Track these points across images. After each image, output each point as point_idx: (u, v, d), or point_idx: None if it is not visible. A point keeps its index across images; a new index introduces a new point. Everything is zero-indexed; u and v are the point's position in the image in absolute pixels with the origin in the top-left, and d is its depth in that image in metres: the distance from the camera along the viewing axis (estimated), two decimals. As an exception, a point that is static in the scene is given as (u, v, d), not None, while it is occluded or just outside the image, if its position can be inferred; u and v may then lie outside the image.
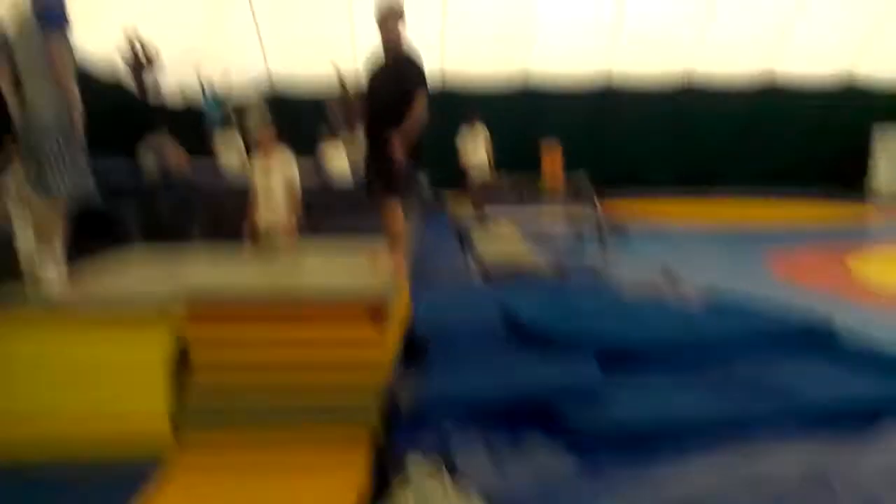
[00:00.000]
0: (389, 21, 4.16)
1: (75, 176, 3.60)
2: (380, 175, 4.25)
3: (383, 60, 4.27)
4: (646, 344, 4.06)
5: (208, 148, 11.04)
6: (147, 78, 11.72)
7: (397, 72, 4.15)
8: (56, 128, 3.55)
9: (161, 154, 9.07)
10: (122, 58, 11.68)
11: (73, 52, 3.62)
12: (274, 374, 3.12)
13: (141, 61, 11.64)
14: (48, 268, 3.52)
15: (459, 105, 13.72)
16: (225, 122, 12.80)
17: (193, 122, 13.35)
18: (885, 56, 17.14)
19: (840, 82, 17.95)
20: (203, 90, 13.38)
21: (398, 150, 4.05)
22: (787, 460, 2.90)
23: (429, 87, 4.17)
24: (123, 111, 11.58)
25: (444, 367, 3.71)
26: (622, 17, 16.62)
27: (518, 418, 3.22)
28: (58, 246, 3.64)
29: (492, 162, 12.07)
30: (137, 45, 11.54)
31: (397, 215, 4.32)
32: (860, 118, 17.68)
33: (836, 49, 17.34)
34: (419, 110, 4.06)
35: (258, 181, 5.56)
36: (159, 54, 11.83)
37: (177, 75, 14.77)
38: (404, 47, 4.21)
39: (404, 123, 4.05)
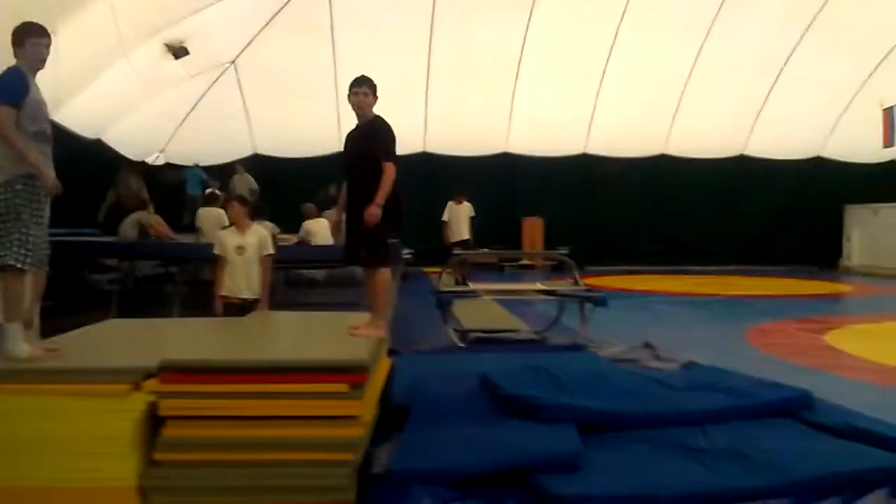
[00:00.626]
0: (357, 87, 4.35)
1: (20, 245, 3.44)
2: (359, 244, 4.31)
3: (357, 127, 4.45)
4: (626, 415, 4.05)
5: (190, 220, 11.13)
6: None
7: (367, 137, 4.31)
8: (1, 191, 3.43)
9: (144, 229, 9.11)
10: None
11: (35, 115, 3.57)
12: (248, 450, 3.05)
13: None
14: (14, 340, 3.43)
15: (444, 182, 14.05)
16: (205, 188, 13.02)
17: (177, 194, 13.55)
18: (851, 137, 17.81)
19: (811, 164, 18.57)
20: (189, 169, 13.71)
21: (372, 219, 4.12)
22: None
23: (397, 155, 4.31)
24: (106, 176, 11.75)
25: (421, 435, 3.66)
26: (597, 104, 17.25)
27: (496, 487, 3.17)
28: (23, 317, 3.54)
29: (473, 237, 12.29)
30: None
31: (384, 283, 4.35)
32: (830, 198, 18.21)
33: (805, 132, 18.03)
34: (389, 178, 4.17)
35: (233, 256, 5.58)
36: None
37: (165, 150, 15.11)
38: (372, 115, 4.38)
39: (376, 193, 4.14)
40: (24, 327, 4.42)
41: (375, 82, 4.40)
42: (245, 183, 13.22)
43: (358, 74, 4.45)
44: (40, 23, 3.69)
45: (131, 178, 11.92)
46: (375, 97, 4.38)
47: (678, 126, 17.80)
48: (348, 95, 4.40)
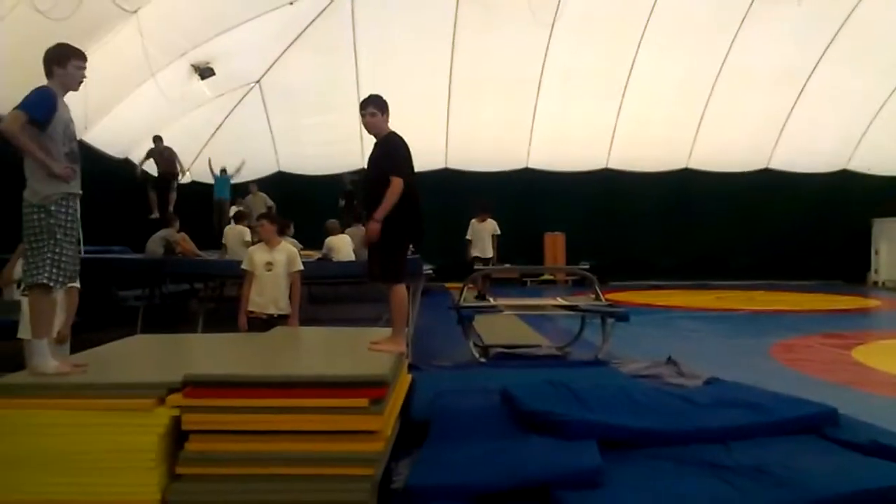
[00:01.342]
0: (363, 109, 4.44)
1: (52, 265, 3.52)
2: (375, 260, 4.37)
3: (375, 146, 4.53)
4: (648, 431, 4.02)
5: (219, 223, 11.32)
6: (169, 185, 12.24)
7: (380, 155, 4.39)
8: (36, 211, 3.53)
9: (170, 246, 9.26)
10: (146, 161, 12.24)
11: (66, 135, 3.66)
12: (269, 464, 3.08)
13: (166, 161, 12.18)
14: (42, 356, 3.51)
15: (466, 198, 14.09)
16: (232, 198, 13.26)
17: (205, 207, 13.79)
18: (878, 149, 17.59)
19: (836, 177, 18.36)
20: (216, 172, 13.93)
21: (371, 234, 4.18)
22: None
23: (414, 171, 4.38)
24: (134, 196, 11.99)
25: (441, 450, 3.67)
26: (619, 119, 17.23)
27: (517, 503, 3.17)
28: (54, 333, 3.62)
29: (498, 254, 12.27)
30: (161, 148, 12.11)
31: (399, 299, 4.39)
32: (856, 211, 17.97)
33: (831, 145, 17.85)
34: (392, 192, 4.20)
35: (261, 272, 5.66)
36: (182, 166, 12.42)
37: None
38: (386, 132, 4.44)
39: (378, 207, 4.20)
40: (59, 341, 4.55)
41: (385, 99, 4.46)
42: (260, 201, 13.40)
43: (367, 95, 4.53)
44: (66, 42, 3.82)
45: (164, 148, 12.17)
46: (386, 113, 4.43)
47: (701, 140, 17.72)
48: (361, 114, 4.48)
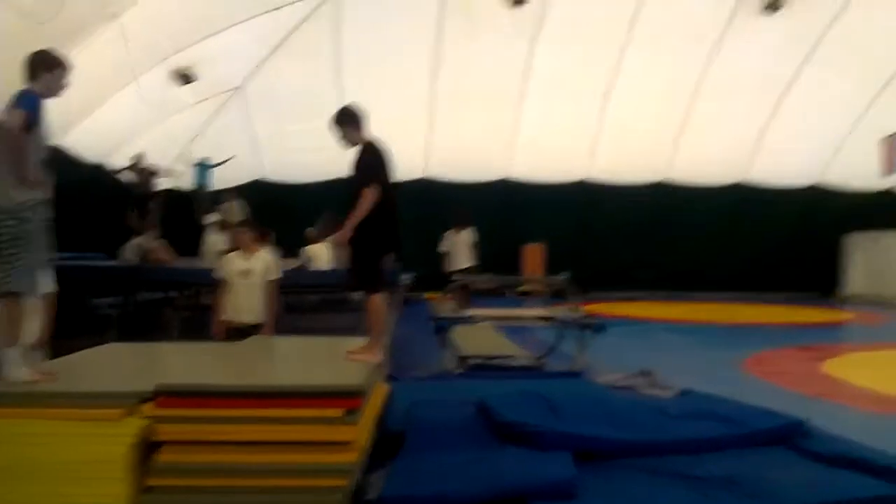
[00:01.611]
0: (332, 126, 4.51)
1: (24, 273, 3.47)
2: (351, 269, 4.42)
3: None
4: (622, 442, 4.05)
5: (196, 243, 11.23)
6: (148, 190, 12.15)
7: (353, 165, 4.43)
8: (7, 218, 3.47)
9: (145, 254, 9.18)
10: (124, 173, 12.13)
11: (42, 143, 3.63)
12: (242, 475, 3.06)
13: (146, 177, 12.09)
14: (14, 364, 3.45)
15: (445, 208, 14.10)
16: (213, 196, 13.16)
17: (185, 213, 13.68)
18: (852, 165, 17.89)
19: (810, 191, 18.65)
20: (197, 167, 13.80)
21: (338, 241, 4.26)
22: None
23: (390, 181, 4.40)
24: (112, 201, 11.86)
25: (416, 462, 3.66)
26: (599, 131, 17.39)
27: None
28: (21, 342, 3.56)
29: (475, 264, 12.19)
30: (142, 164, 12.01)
31: (375, 308, 4.38)
32: (829, 226, 18.25)
33: (806, 159, 18.14)
34: (362, 202, 4.21)
35: (237, 280, 5.62)
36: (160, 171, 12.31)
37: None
38: (361, 141, 4.46)
39: (350, 215, 4.23)
40: (39, 346, 4.49)
41: (351, 108, 4.49)
42: (239, 208, 13.33)
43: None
44: (53, 47, 3.81)
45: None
46: (353, 124, 4.44)
47: (680, 153, 17.91)
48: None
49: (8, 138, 3.44)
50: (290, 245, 10.30)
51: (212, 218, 12.39)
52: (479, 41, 15.11)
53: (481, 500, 3.27)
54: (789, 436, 4.28)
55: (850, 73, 16.04)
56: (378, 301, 4.36)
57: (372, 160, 4.37)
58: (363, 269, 4.32)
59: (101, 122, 12.16)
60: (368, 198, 4.19)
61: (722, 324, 12.80)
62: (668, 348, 9.74)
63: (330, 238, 9.89)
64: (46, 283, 4.50)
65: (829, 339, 11.42)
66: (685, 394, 5.61)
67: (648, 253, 18.21)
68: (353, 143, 4.45)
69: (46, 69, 3.67)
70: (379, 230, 4.29)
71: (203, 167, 14.38)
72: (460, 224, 12.13)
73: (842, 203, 18.32)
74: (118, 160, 12.95)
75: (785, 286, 18.32)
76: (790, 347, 9.63)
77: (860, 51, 15.51)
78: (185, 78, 13.13)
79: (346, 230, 4.22)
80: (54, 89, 3.71)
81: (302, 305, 10.65)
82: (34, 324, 4.19)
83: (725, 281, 18.31)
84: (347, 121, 4.45)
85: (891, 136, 16.64)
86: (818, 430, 4.42)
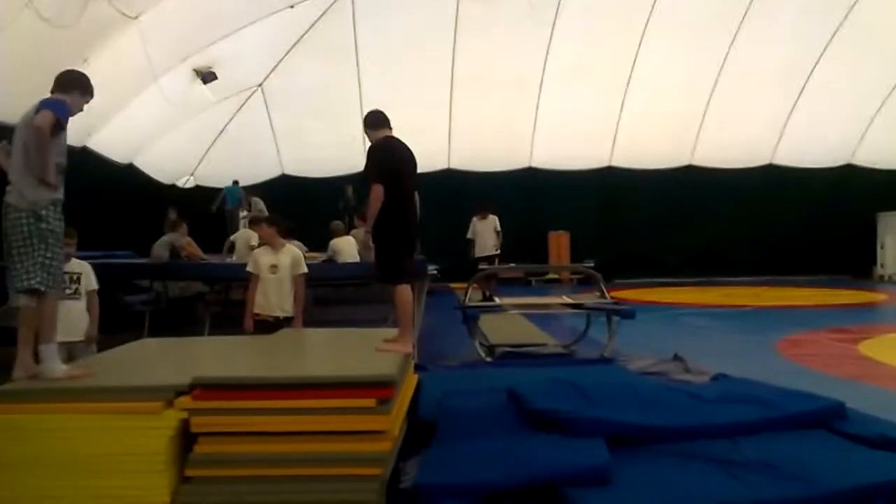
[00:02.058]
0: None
1: (42, 269, 3.52)
2: (376, 262, 4.52)
3: None
4: (656, 427, 4.01)
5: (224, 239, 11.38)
6: None
7: (365, 163, 4.59)
8: (25, 216, 3.53)
9: (175, 250, 9.29)
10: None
11: (62, 148, 3.70)
12: (278, 465, 3.09)
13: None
14: (49, 360, 3.51)
15: (469, 198, 14.09)
16: (242, 205, 13.44)
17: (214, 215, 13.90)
18: (882, 143, 17.54)
19: (841, 171, 18.30)
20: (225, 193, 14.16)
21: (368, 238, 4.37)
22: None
23: (392, 176, 4.44)
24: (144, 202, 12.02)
25: (448, 450, 3.67)
26: (622, 116, 17.22)
27: (525, 502, 3.17)
28: (50, 338, 3.62)
29: (502, 252, 12.24)
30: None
31: (402, 299, 4.41)
32: (861, 206, 17.91)
33: (835, 139, 17.80)
34: (372, 199, 4.36)
35: (266, 275, 5.67)
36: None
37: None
38: (373, 143, 4.61)
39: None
40: (89, 342, 4.76)
41: (374, 113, 4.68)
42: (257, 207, 13.55)
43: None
44: (74, 50, 3.90)
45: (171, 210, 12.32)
46: (371, 126, 4.62)
47: (704, 136, 17.69)
48: None
49: (36, 135, 3.50)
50: (315, 239, 10.37)
51: (244, 216, 12.60)
52: (498, 30, 15.03)
53: (515, 487, 3.27)
54: (827, 418, 4.22)
55: (875, 52, 15.70)
56: (404, 292, 4.39)
57: (379, 157, 4.47)
58: (386, 261, 4.38)
59: (125, 124, 12.32)
60: (375, 195, 4.33)
61: (753, 307, 12.63)
62: (699, 333, 9.65)
63: (356, 231, 9.96)
64: (89, 282, 4.87)
65: (863, 320, 11.22)
66: (719, 378, 5.55)
67: (675, 238, 18.03)
68: (372, 141, 4.61)
69: (81, 91, 3.81)
70: (393, 223, 4.39)
71: (234, 189, 14.82)
72: (483, 211, 12.21)
73: (873, 182, 17.97)
74: (143, 159, 13.10)
75: (817, 269, 18.04)
76: (824, 330, 9.48)
77: (886, 28, 15.17)
78: (206, 77, 13.26)
79: (369, 225, 4.39)
80: (75, 109, 3.81)
81: (329, 298, 10.71)
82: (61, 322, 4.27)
83: (755, 265, 18.08)
84: (368, 124, 4.64)
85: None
86: (855, 412, 4.35)
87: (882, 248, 18.23)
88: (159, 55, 11.44)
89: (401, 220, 4.44)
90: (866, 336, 8.94)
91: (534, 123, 17.30)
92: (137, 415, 3.10)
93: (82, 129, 10.47)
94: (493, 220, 12.25)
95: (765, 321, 10.95)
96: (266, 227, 5.96)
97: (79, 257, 5.15)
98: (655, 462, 3.64)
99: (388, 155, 4.51)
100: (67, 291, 5.06)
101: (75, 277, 5.05)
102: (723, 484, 3.35)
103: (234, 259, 9.52)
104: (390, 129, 4.65)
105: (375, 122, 4.64)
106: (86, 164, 11.04)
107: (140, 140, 13.79)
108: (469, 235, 12.31)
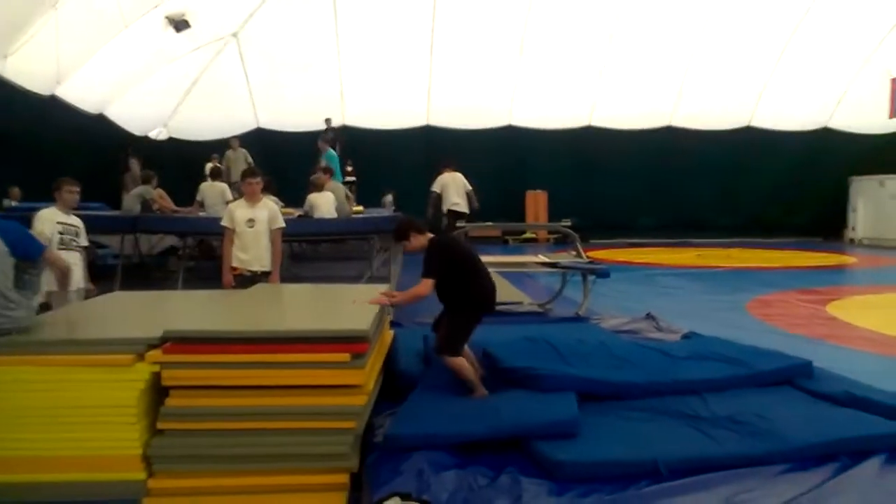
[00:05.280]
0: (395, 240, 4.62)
1: None
2: (445, 334, 4.32)
3: None
4: (627, 384, 4.08)
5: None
6: None
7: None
8: None
9: (147, 203, 9.12)
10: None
11: None
12: (250, 419, 3.08)
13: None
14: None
15: (448, 155, 13.90)
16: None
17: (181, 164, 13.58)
18: (858, 108, 17.67)
19: (817, 135, 18.43)
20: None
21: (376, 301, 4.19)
22: (770, 498, 2.90)
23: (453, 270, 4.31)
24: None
25: (422, 405, 3.70)
26: (602, 76, 17.10)
27: (497, 454, 3.22)
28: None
29: (474, 208, 11.67)
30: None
31: (458, 366, 4.19)
32: (835, 169, 18.11)
33: (812, 103, 17.88)
34: (418, 290, 4.24)
35: (243, 229, 5.59)
36: None
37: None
38: (425, 245, 4.39)
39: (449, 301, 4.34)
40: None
41: (403, 225, 4.44)
42: (241, 157, 13.17)
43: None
44: None
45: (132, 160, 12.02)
46: (413, 232, 4.35)
47: (684, 98, 17.66)
48: None
49: None
50: (290, 194, 10.24)
51: (209, 167, 12.30)
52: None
53: (483, 438, 3.32)
54: (794, 376, 4.32)
55: (855, 15, 15.68)
56: (460, 363, 4.16)
57: (431, 257, 4.26)
58: (454, 336, 4.21)
59: (95, 73, 11.95)
60: (422, 289, 4.20)
61: (726, 268, 12.80)
62: (672, 293, 9.76)
63: (332, 184, 9.77)
64: (84, 237, 5.14)
65: (832, 282, 11.44)
66: (690, 336, 5.64)
67: (652, 199, 18.13)
68: (422, 248, 4.33)
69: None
70: (478, 303, 4.33)
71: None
72: (447, 166, 11.38)
73: (848, 146, 18.14)
74: (114, 110, 12.74)
75: (790, 230, 18.30)
76: (794, 290, 9.65)
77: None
78: (178, 25, 12.85)
79: (398, 299, 4.29)
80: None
81: (305, 254, 10.65)
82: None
83: (730, 226, 18.28)
84: (404, 234, 4.38)
85: (899, 76, 16.39)
86: (822, 371, 4.46)
87: (854, 211, 18.52)
88: (130, 1, 11.05)
89: (482, 299, 4.34)
90: (834, 297, 9.12)
91: (514, 81, 17.12)
92: (108, 367, 3.06)
93: (51, 77, 10.14)
94: (461, 178, 11.39)
95: (736, 282, 11.11)
96: (260, 181, 5.82)
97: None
98: (625, 417, 3.71)
99: (439, 255, 4.28)
100: (73, 243, 5.10)
101: (77, 231, 5.33)
102: (690, 438, 3.42)
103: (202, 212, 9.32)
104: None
105: (407, 231, 4.36)
106: (55, 113, 10.78)
107: (111, 90, 13.41)
108: (434, 188, 11.43)
